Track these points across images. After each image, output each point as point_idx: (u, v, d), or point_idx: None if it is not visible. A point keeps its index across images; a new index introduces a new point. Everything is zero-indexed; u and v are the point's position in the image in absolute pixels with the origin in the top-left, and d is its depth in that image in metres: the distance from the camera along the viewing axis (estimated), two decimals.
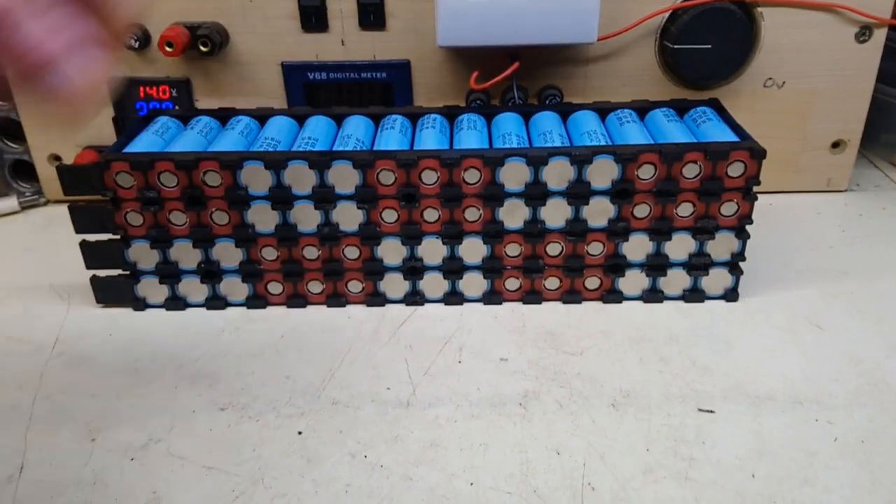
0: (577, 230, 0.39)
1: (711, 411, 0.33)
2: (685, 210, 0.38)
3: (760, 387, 0.34)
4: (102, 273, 0.41)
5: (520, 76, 0.47)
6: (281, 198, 0.38)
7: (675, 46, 0.46)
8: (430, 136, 0.40)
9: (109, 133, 0.50)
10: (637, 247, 0.39)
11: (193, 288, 0.41)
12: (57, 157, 0.52)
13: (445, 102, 0.49)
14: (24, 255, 0.48)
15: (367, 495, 0.29)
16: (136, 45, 0.47)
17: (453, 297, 0.41)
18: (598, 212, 0.38)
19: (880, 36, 0.47)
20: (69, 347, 0.38)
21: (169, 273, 0.40)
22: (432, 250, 0.40)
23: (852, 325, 0.39)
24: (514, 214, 0.39)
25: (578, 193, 0.38)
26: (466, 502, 0.29)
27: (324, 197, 0.38)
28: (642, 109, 0.43)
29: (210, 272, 0.41)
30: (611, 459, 0.31)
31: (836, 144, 0.51)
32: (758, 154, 0.37)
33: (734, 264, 0.40)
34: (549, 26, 0.42)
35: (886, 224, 0.49)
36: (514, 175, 0.38)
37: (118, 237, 0.39)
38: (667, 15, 0.46)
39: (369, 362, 0.37)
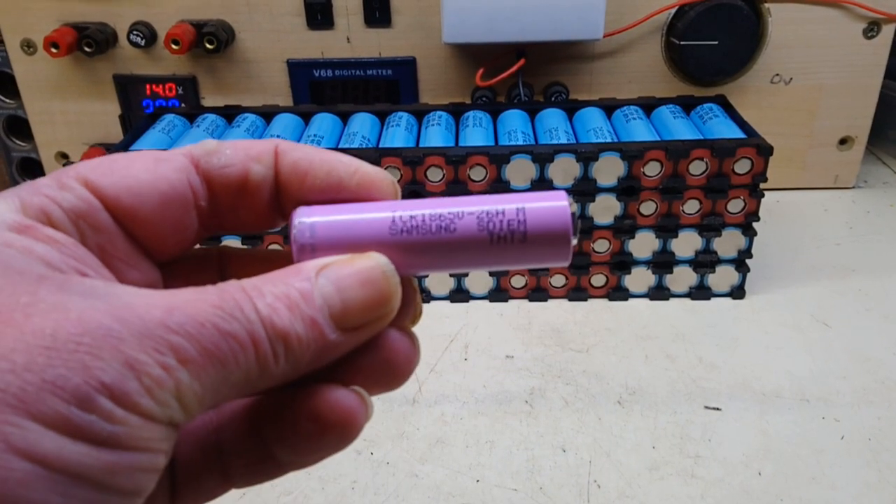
0: (583, 227, 0.39)
1: (718, 409, 0.33)
2: (691, 207, 0.38)
3: (767, 384, 0.34)
4: None
5: (526, 73, 0.47)
6: None
7: (682, 43, 0.46)
8: (436, 134, 0.40)
9: (116, 131, 0.50)
10: (643, 244, 0.39)
11: None
12: (64, 155, 0.52)
13: (451, 99, 0.49)
14: None
15: (373, 492, 0.29)
16: (142, 42, 0.47)
17: (459, 295, 0.41)
18: (604, 209, 0.38)
19: (889, 32, 0.47)
20: None
21: None
22: None
23: (860, 323, 0.39)
24: None
25: (584, 190, 0.38)
26: (472, 499, 0.29)
27: None
28: (648, 106, 0.43)
29: None
30: (617, 457, 0.31)
31: (843, 141, 0.51)
32: (765, 151, 0.37)
33: (741, 261, 0.40)
34: (555, 23, 0.42)
35: (894, 221, 0.49)
36: (520, 172, 0.37)
37: None
38: (673, 11, 0.46)
39: None
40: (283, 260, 0.16)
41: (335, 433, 0.15)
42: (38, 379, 0.12)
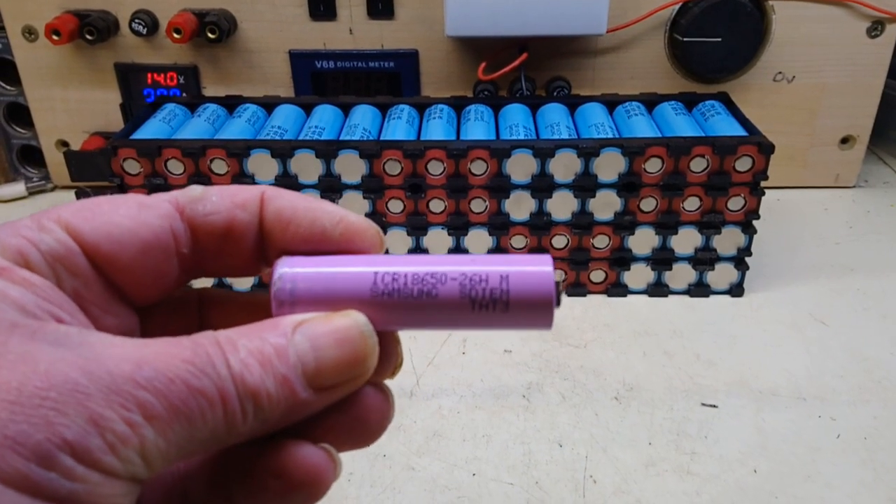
0: (582, 223, 0.39)
1: (714, 406, 0.33)
2: (692, 204, 0.38)
3: (764, 382, 0.34)
4: None
5: (528, 67, 0.47)
6: (287, 186, 0.38)
7: (685, 39, 0.46)
8: (437, 127, 0.40)
9: (117, 119, 0.50)
10: (643, 240, 0.39)
11: None
12: (64, 143, 0.52)
13: (453, 93, 0.49)
14: None
15: (369, 484, 0.29)
16: (144, 31, 0.47)
17: None
18: (605, 205, 0.38)
19: (892, 31, 0.47)
20: None
21: None
22: (438, 241, 0.40)
23: (857, 322, 0.39)
24: (520, 206, 0.39)
25: (585, 186, 0.38)
26: (468, 493, 0.29)
27: (330, 186, 0.38)
28: (650, 102, 0.43)
29: None
30: (613, 452, 0.31)
31: (845, 140, 0.51)
32: (766, 149, 0.37)
33: (740, 259, 0.40)
34: (558, 17, 0.42)
35: (894, 221, 0.49)
36: (521, 167, 0.37)
37: None
38: (676, 7, 0.46)
39: None
40: (263, 305, 0.16)
41: (302, 491, 0.15)
42: None
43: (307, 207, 0.17)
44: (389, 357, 0.17)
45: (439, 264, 0.16)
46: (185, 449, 0.13)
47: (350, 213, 0.17)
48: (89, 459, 0.12)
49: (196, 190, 0.17)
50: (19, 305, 0.13)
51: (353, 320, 0.15)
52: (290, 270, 0.16)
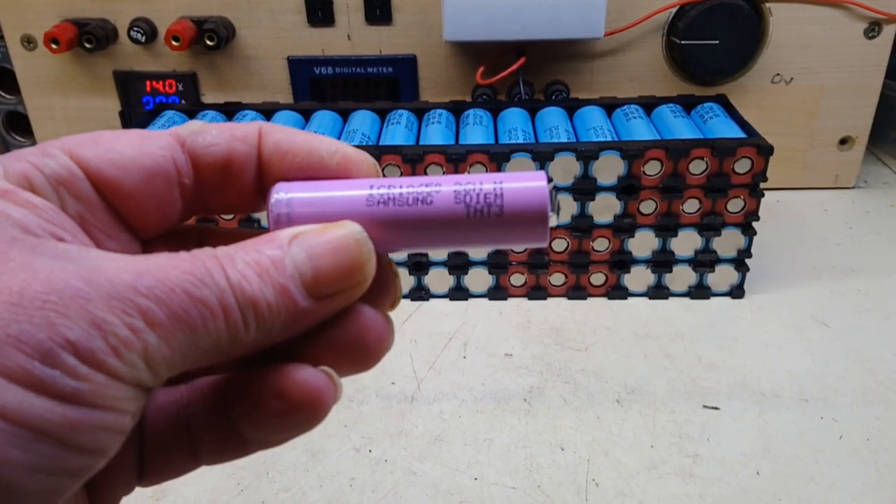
0: (582, 226, 0.39)
1: (716, 408, 0.33)
2: (691, 206, 0.38)
3: (766, 384, 0.34)
4: None
5: (526, 71, 0.47)
6: None
7: (683, 42, 0.46)
8: (436, 131, 0.40)
9: (116, 127, 0.50)
10: (643, 243, 0.39)
11: None
12: None
13: (451, 97, 0.49)
14: None
15: (371, 489, 0.29)
16: (143, 39, 0.47)
17: (458, 293, 0.41)
18: (604, 208, 0.38)
19: (889, 32, 0.47)
20: None
21: None
22: None
23: (859, 323, 0.39)
24: None
25: (584, 189, 0.38)
26: (471, 497, 0.29)
27: None
28: (649, 105, 0.43)
29: None
30: (615, 455, 0.31)
31: (843, 141, 0.51)
32: (765, 150, 0.37)
33: (740, 261, 0.40)
34: (556, 21, 0.42)
35: (894, 221, 0.49)
36: (520, 170, 0.37)
37: None
38: (674, 10, 0.46)
39: None
40: None
41: (302, 412, 0.15)
42: (2, 333, 0.12)
43: (304, 139, 0.17)
44: (387, 287, 0.17)
45: (434, 181, 0.16)
46: (189, 357, 0.14)
47: (345, 144, 0.17)
48: (93, 360, 0.12)
49: (196, 124, 0.17)
50: (21, 225, 0.14)
51: (347, 229, 0.15)
52: (287, 192, 0.16)
